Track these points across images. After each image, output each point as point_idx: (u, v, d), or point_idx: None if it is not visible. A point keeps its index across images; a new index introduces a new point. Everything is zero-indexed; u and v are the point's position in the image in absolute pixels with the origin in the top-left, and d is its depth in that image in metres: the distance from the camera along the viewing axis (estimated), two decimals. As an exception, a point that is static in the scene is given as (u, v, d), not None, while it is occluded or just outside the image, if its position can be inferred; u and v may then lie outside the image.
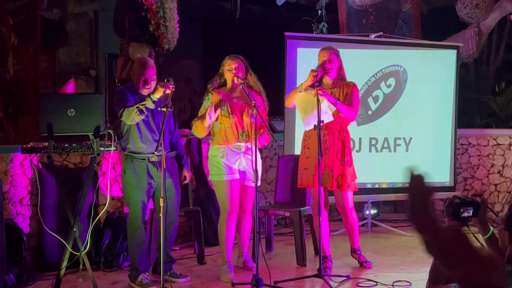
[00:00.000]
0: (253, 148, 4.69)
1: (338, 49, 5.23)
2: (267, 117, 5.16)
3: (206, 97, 4.98)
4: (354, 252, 5.30)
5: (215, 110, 4.81)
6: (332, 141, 5.01)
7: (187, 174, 4.97)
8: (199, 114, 4.97)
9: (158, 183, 4.62)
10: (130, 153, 4.68)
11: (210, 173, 5.03)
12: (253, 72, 5.07)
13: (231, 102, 4.95)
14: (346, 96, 5.01)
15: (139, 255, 4.71)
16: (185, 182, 5.02)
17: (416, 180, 1.20)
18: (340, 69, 5.11)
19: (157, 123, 4.67)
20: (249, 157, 4.92)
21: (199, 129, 4.92)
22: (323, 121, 4.79)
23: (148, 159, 4.65)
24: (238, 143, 4.92)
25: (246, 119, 4.91)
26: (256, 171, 4.60)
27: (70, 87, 6.09)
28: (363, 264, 5.23)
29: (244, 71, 4.97)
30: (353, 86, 5.08)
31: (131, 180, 4.66)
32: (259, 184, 5.04)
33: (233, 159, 4.92)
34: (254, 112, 4.63)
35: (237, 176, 4.96)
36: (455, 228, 1.12)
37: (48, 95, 6.19)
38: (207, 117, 4.79)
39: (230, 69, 4.93)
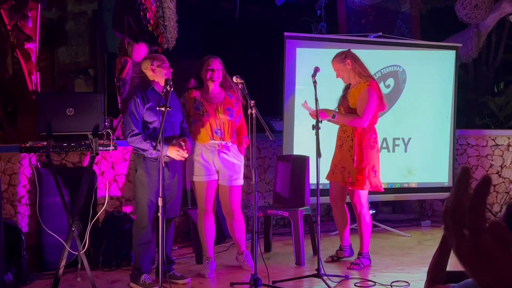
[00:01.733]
0: (252, 148, 4.70)
1: (337, 49, 5.26)
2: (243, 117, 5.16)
3: (182, 97, 5.04)
4: (358, 254, 5.30)
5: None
6: (344, 138, 5.12)
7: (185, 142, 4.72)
8: None
9: (166, 183, 4.62)
10: (142, 152, 4.64)
11: (188, 172, 5.06)
12: (250, 71, 5.13)
13: (206, 101, 4.99)
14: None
15: (143, 255, 4.70)
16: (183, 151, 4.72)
17: (463, 176, 1.10)
18: (353, 69, 5.11)
19: (172, 121, 4.67)
20: (225, 155, 4.96)
21: None
22: (321, 121, 4.84)
23: (160, 159, 4.64)
24: (213, 141, 4.94)
25: (221, 117, 4.95)
26: (255, 169, 4.61)
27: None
28: (348, 264, 5.24)
29: (222, 72, 5.02)
30: (362, 86, 5.07)
31: (143, 179, 4.64)
32: (241, 183, 5.08)
33: (209, 157, 4.95)
34: (254, 112, 4.63)
35: (215, 176, 5.00)
36: (501, 226, 1.00)
37: (47, 94, 6.19)
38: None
39: (211, 69, 4.98)
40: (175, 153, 4.61)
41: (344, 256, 5.47)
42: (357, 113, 5.03)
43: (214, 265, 5.07)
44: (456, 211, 1.05)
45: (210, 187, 4.98)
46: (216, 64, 5.00)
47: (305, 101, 5.04)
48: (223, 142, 4.97)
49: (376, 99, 5.06)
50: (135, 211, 4.79)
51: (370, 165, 5.08)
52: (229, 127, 5.00)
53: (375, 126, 5.21)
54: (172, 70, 4.73)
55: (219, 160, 4.97)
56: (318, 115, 4.81)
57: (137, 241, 4.72)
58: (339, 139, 5.21)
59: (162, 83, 4.67)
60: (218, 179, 5.03)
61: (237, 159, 5.05)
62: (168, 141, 4.60)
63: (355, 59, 5.13)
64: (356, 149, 5.04)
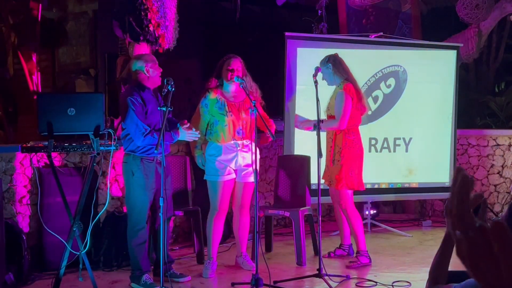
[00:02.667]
0: (253, 148, 4.70)
1: (337, 49, 5.28)
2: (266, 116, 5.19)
3: (203, 97, 5.01)
4: (356, 252, 5.32)
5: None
6: (327, 140, 5.29)
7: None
8: (200, 132, 4.93)
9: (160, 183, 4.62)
10: (140, 154, 4.66)
11: (206, 172, 5.05)
12: (250, 71, 5.13)
13: (228, 101, 4.98)
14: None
15: (142, 255, 4.71)
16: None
17: (464, 176, 1.12)
18: (333, 72, 5.21)
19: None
20: (245, 154, 4.96)
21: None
22: (322, 121, 4.89)
23: (156, 160, 4.65)
24: (234, 141, 4.95)
25: (243, 117, 4.95)
26: (256, 170, 4.61)
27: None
28: (347, 263, 5.28)
29: (242, 72, 5.00)
30: (337, 90, 5.20)
31: (141, 181, 4.64)
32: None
33: (229, 157, 4.95)
34: (254, 111, 4.64)
35: (233, 175, 5.00)
36: (501, 225, 1.02)
37: (48, 94, 6.20)
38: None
39: (231, 69, 4.95)
40: (187, 135, 4.66)
41: (343, 254, 5.53)
42: (334, 117, 5.15)
43: (215, 265, 5.07)
44: (449, 213, 1.08)
45: (226, 187, 4.98)
46: (236, 64, 4.98)
47: (296, 126, 5.47)
48: (244, 142, 4.98)
49: (350, 101, 5.13)
50: (131, 213, 4.75)
51: (347, 165, 5.15)
52: (250, 126, 5.01)
53: (360, 128, 5.34)
54: (161, 70, 4.75)
55: (241, 159, 4.98)
56: (319, 115, 4.82)
57: (134, 242, 4.71)
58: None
59: (155, 82, 4.69)
60: (235, 177, 5.04)
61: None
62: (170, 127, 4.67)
63: (337, 63, 5.19)
64: (332, 149, 5.18)
